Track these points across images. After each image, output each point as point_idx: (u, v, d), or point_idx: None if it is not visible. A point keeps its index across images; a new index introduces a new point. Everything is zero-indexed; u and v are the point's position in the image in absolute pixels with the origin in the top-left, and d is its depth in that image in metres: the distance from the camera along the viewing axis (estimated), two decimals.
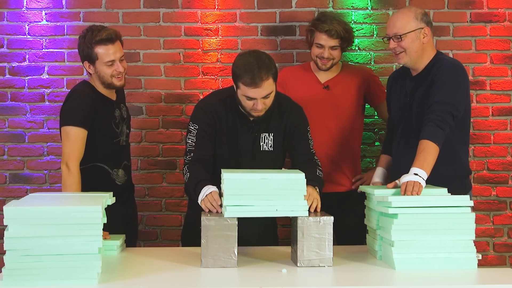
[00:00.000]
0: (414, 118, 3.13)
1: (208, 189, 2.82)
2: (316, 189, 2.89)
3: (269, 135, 3.11)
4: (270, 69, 2.91)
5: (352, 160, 3.73)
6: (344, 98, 3.67)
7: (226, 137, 3.09)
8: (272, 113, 3.10)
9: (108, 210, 2.58)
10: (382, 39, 3.29)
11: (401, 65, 3.30)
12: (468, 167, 3.24)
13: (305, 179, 2.68)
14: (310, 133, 3.18)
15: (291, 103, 3.19)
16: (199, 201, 2.83)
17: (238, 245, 2.61)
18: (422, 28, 3.11)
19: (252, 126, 3.09)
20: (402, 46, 3.10)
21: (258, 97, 2.92)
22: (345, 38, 3.59)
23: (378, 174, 3.33)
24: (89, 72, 3.29)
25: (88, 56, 3.22)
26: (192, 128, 3.09)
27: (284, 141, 3.16)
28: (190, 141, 3.08)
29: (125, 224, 3.27)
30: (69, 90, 3.32)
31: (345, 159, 3.70)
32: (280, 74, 3.16)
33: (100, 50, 3.19)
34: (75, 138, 3.14)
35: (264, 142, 3.11)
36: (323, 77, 3.70)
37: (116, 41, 3.23)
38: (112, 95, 3.33)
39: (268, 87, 2.90)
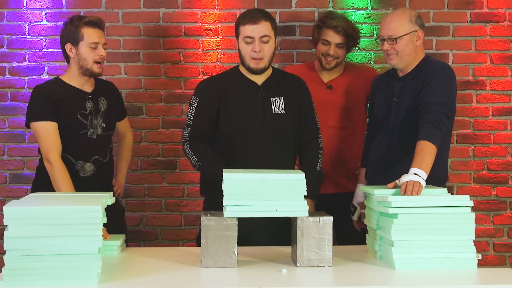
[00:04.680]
0: (400, 118, 3.15)
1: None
2: (313, 202, 3.03)
3: (279, 99, 3.13)
4: (270, 17, 3.09)
5: (355, 160, 3.72)
6: (347, 97, 3.67)
7: (234, 103, 3.11)
8: (278, 79, 3.18)
9: None
10: (375, 40, 3.29)
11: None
12: (447, 172, 3.21)
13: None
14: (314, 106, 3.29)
15: (294, 75, 3.30)
16: None
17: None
18: (416, 31, 3.13)
19: (259, 90, 3.12)
20: (396, 49, 3.12)
21: (256, 36, 3.01)
22: (352, 36, 3.58)
23: (361, 192, 3.37)
24: (68, 57, 3.28)
25: (72, 38, 3.24)
26: (193, 101, 3.16)
27: (296, 106, 3.19)
28: (189, 115, 3.13)
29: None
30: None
31: (347, 160, 3.69)
32: None
33: (87, 31, 3.23)
34: (44, 132, 3.18)
35: (275, 106, 3.12)
36: (326, 76, 3.70)
37: (102, 29, 3.30)
38: (86, 86, 3.32)
39: (266, 28, 3.04)
